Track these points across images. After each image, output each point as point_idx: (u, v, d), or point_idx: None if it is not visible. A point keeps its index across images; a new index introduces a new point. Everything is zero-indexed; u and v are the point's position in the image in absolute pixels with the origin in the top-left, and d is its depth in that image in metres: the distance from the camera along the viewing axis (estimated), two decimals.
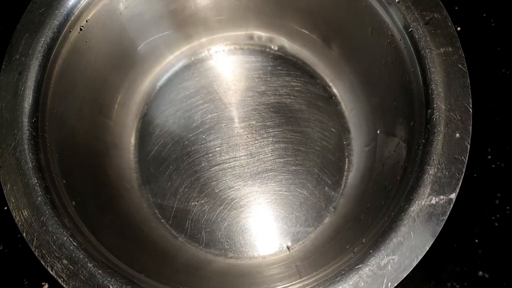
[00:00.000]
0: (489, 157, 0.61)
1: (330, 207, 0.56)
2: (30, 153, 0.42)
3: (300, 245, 0.55)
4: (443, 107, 0.41)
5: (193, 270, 0.51)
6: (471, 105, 0.41)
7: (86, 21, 0.47)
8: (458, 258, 0.58)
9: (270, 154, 0.58)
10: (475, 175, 0.60)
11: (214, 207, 0.56)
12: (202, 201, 0.56)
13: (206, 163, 0.58)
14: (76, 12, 0.46)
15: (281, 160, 0.58)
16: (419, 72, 0.43)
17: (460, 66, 0.42)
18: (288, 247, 0.54)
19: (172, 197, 0.56)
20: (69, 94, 0.48)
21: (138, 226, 0.53)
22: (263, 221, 0.56)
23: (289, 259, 0.53)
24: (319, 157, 0.58)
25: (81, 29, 0.47)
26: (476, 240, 0.58)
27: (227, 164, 0.58)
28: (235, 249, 0.55)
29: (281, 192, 0.57)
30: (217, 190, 0.56)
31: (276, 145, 0.58)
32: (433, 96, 0.42)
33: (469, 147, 0.40)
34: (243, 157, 0.58)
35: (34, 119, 0.43)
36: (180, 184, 0.57)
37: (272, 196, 0.57)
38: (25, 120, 0.42)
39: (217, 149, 0.58)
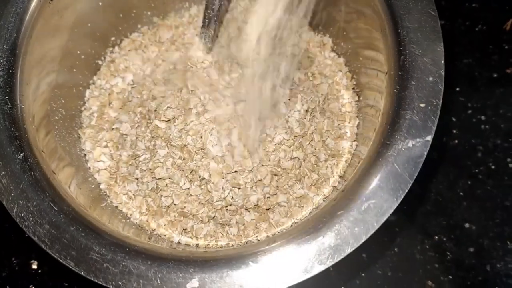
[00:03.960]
0: (470, 111, 0.62)
1: None
2: (6, 123, 0.42)
3: None
4: (416, 52, 0.41)
5: None
6: (442, 49, 0.41)
7: None
8: (444, 212, 0.58)
9: None
10: (456, 130, 0.61)
11: None
12: None
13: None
14: None
15: None
16: (391, 21, 0.43)
17: (430, 11, 0.42)
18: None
19: None
20: (43, 66, 0.47)
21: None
22: None
23: None
24: None
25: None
26: (461, 193, 0.59)
27: None
28: None
29: None
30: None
31: None
32: (405, 42, 0.42)
33: (442, 89, 0.41)
34: None
35: (8, 89, 0.43)
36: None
37: None
38: None
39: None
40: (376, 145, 0.41)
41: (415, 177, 0.39)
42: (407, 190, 0.39)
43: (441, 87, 0.41)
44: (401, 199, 0.39)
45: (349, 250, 0.38)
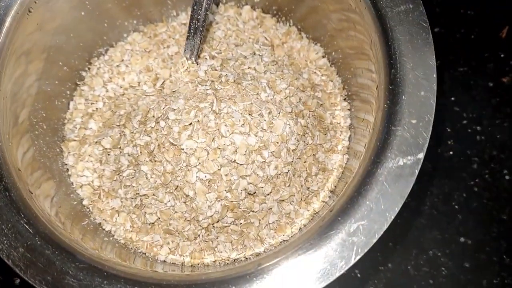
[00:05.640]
0: (465, 122, 0.60)
1: None
2: None
3: None
4: (407, 66, 0.40)
5: None
6: (434, 62, 0.40)
7: (35, 2, 0.45)
8: (439, 225, 0.57)
9: None
10: (451, 141, 0.59)
11: None
12: None
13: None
14: None
15: None
16: (381, 32, 0.41)
17: (422, 23, 0.41)
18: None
19: None
20: (23, 80, 0.46)
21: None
22: None
23: None
24: None
25: (29, 11, 0.45)
26: (456, 206, 0.57)
27: None
28: None
29: None
30: None
31: None
32: (396, 55, 0.40)
33: (434, 105, 0.39)
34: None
35: None
36: None
37: None
38: None
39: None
40: (366, 163, 0.39)
41: (406, 197, 0.38)
42: (398, 211, 0.37)
43: (433, 102, 0.39)
44: (391, 220, 0.37)
45: (337, 274, 0.37)
